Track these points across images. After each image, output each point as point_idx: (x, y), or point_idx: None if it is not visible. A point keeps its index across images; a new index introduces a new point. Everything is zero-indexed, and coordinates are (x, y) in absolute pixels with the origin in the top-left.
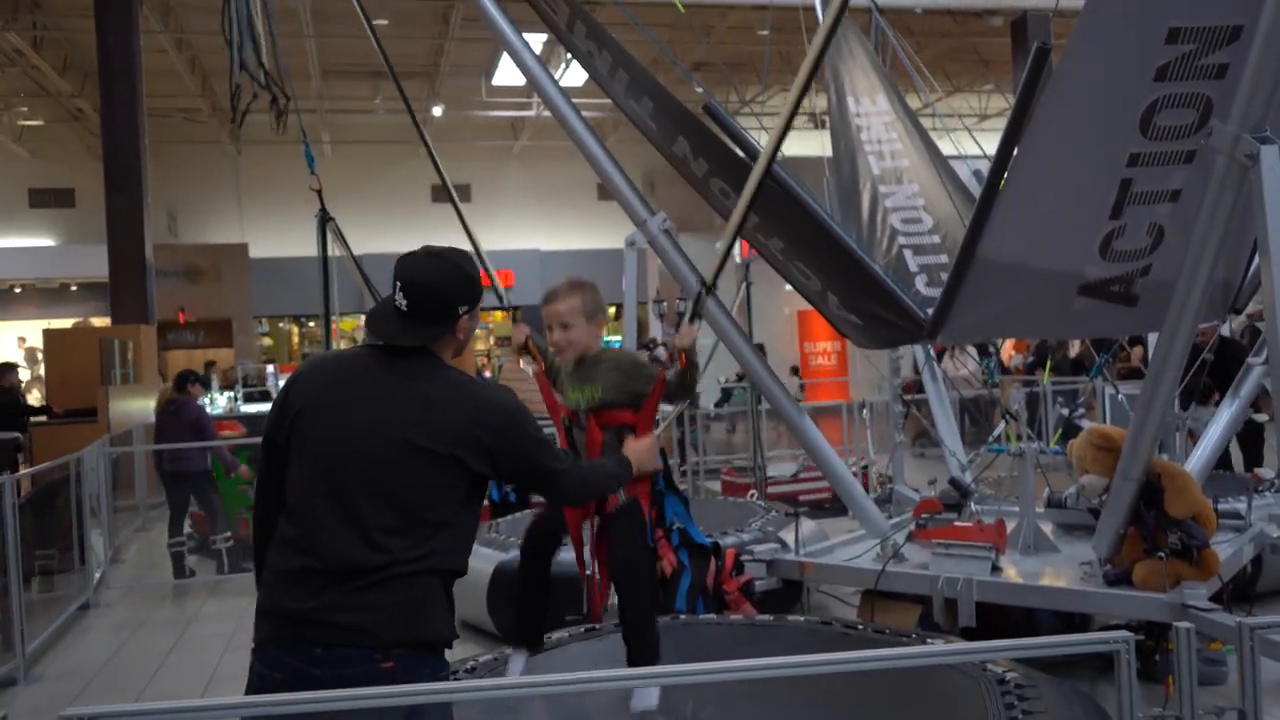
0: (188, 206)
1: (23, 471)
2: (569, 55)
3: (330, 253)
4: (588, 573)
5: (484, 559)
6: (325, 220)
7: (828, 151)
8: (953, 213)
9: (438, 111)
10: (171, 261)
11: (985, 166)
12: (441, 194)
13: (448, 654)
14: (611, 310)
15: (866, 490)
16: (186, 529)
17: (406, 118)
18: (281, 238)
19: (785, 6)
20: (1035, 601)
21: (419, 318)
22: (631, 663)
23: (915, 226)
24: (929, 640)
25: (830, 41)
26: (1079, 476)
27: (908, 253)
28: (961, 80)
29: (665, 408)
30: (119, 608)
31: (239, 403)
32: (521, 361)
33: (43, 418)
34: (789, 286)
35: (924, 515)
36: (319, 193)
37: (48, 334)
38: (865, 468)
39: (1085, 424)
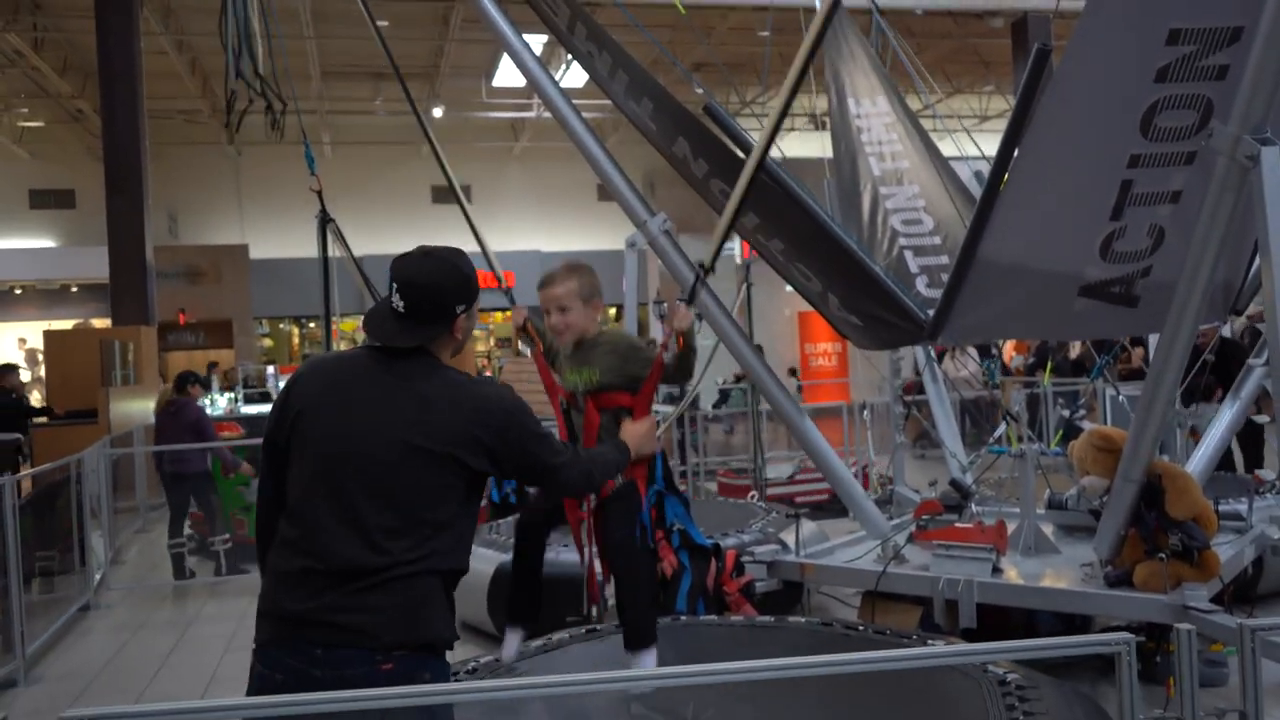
0: (188, 208)
1: (23, 472)
2: (569, 56)
3: (330, 254)
4: (585, 560)
5: (484, 560)
6: (325, 221)
7: (828, 153)
8: (953, 214)
9: (438, 113)
10: (172, 263)
11: (986, 168)
12: (442, 195)
13: (449, 656)
14: (612, 311)
15: (866, 491)
16: (187, 530)
17: (407, 119)
18: (282, 239)
19: (785, 7)
20: (1036, 603)
21: (416, 318)
22: (628, 645)
23: (916, 228)
24: (930, 642)
25: (820, 43)
26: (1080, 478)
27: (908, 254)
28: (962, 81)
29: (666, 409)
30: (119, 609)
31: (239, 404)
32: (520, 343)
33: (43, 419)
34: (790, 288)
35: (925, 516)
36: (319, 194)
37: (48, 335)
38: (865, 469)
39: (1086, 425)
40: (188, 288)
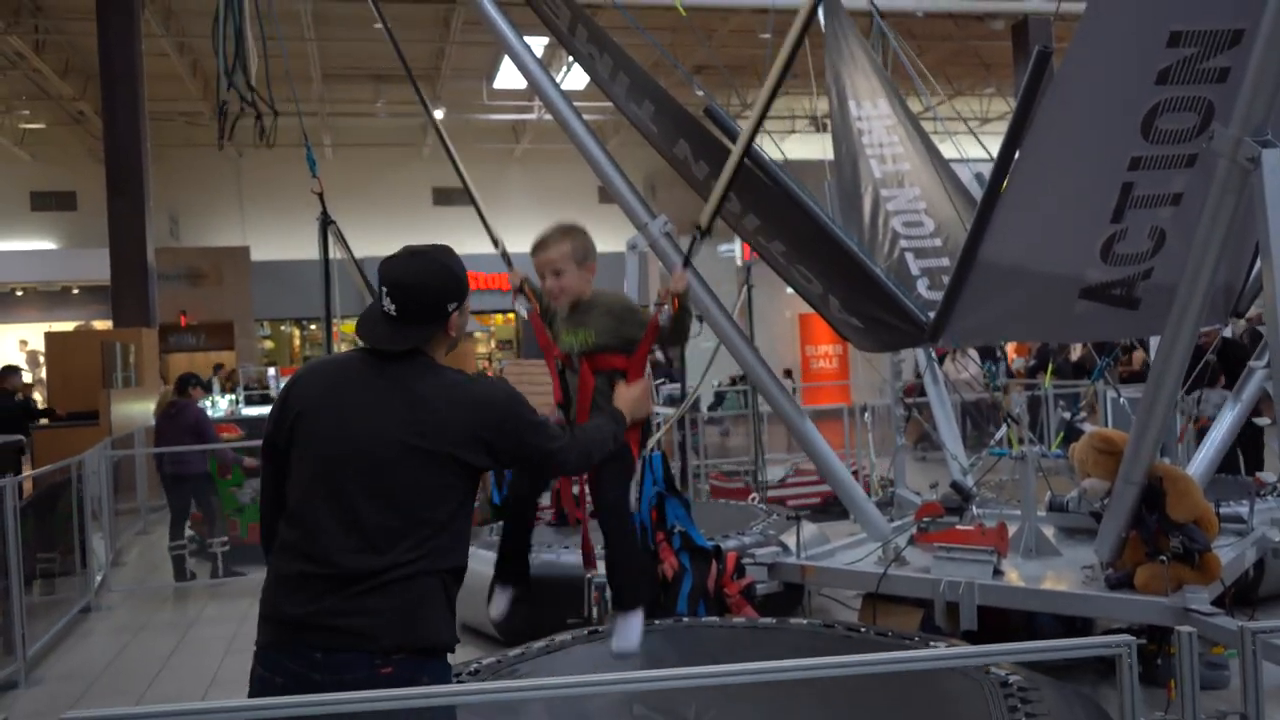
0: (189, 209)
1: (24, 474)
2: (570, 58)
3: (331, 255)
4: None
5: (484, 561)
6: (326, 223)
7: (829, 155)
8: (954, 216)
9: (439, 115)
10: (173, 264)
11: (986, 170)
12: (443, 197)
13: (450, 658)
14: None
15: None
16: (188, 532)
17: (407, 121)
18: (283, 241)
19: (786, 9)
20: (1037, 605)
21: (408, 320)
22: (618, 604)
23: (917, 230)
24: (932, 644)
25: (802, 40)
26: (1080, 480)
27: (909, 256)
28: (963, 83)
29: (666, 410)
30: (120, 610)
31: (240, 405)
32: (517, 303)
33: (44, 420)
34: (790, 290)
35: (925, 519)
36: (320, 196)
37: (49, 337)
38: (854, 472)
39: (1087, 427)
40: (189, 289)
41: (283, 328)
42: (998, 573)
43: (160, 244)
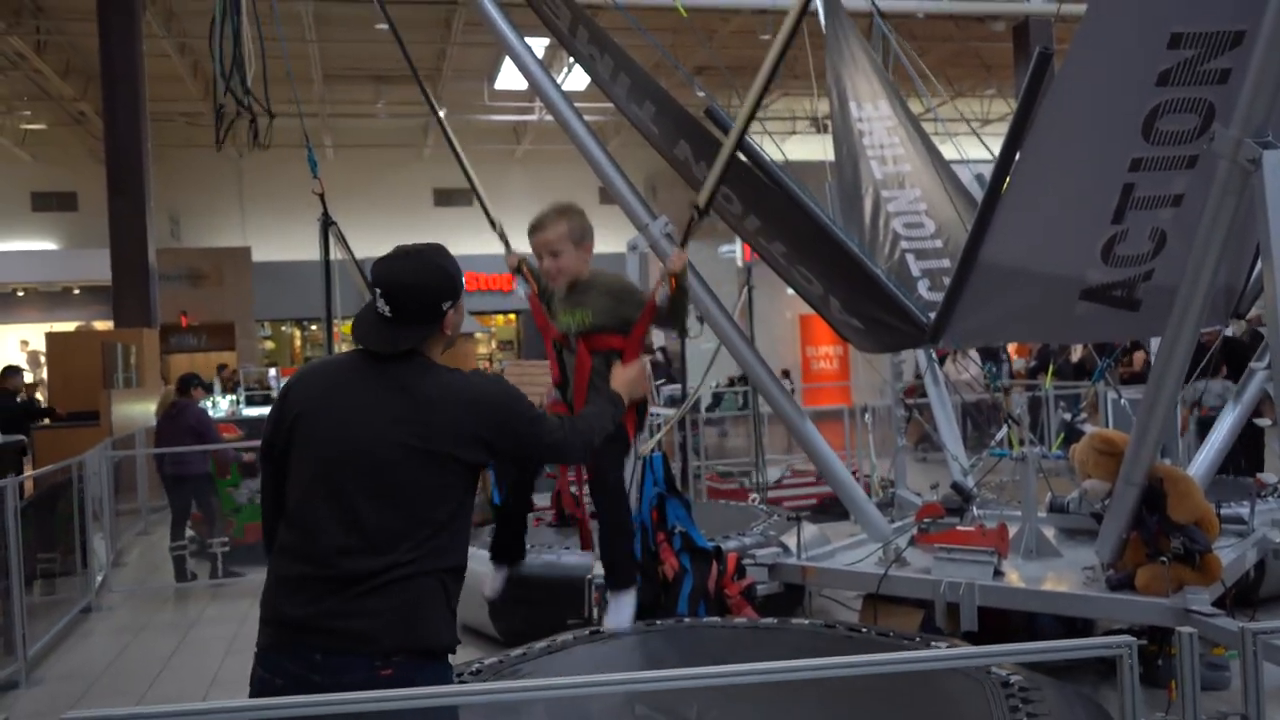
0: (190, 210)
1: (25, 474)
2: (571, 59)
3: (332, 256)
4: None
5: (483, 562)
6: (327, 224)
7: (830, 156)
8: (955, 217)
9: (440, 114)
10: (174, 265)
11: (987, 171)
12: (444, 197)
13: (451, 660)
14: None
15: None
16: (188, 533)
17: (408, 121)
18: (284, 241)
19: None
20: (1037, 606)
21: (404, 321)
22: (610, 583)
23: (917, 231)
24: (933, 644)
25: (793, 38)
26: (1081, 481)
27: (910, 257)
28: (964, 85)
29: (667, 411)
30: (121, 611)
31: (241, 406)
32: (515, 283)
33: (45, 421)
34: (791, 291)
35: (926, 520)
36: (321, 196)
37: (50, 337)
38: (854, 473)
39: (1087, 428)
40: (190, 290)
41: (284, 328)
42: (998, 574)
43: (161, 244)
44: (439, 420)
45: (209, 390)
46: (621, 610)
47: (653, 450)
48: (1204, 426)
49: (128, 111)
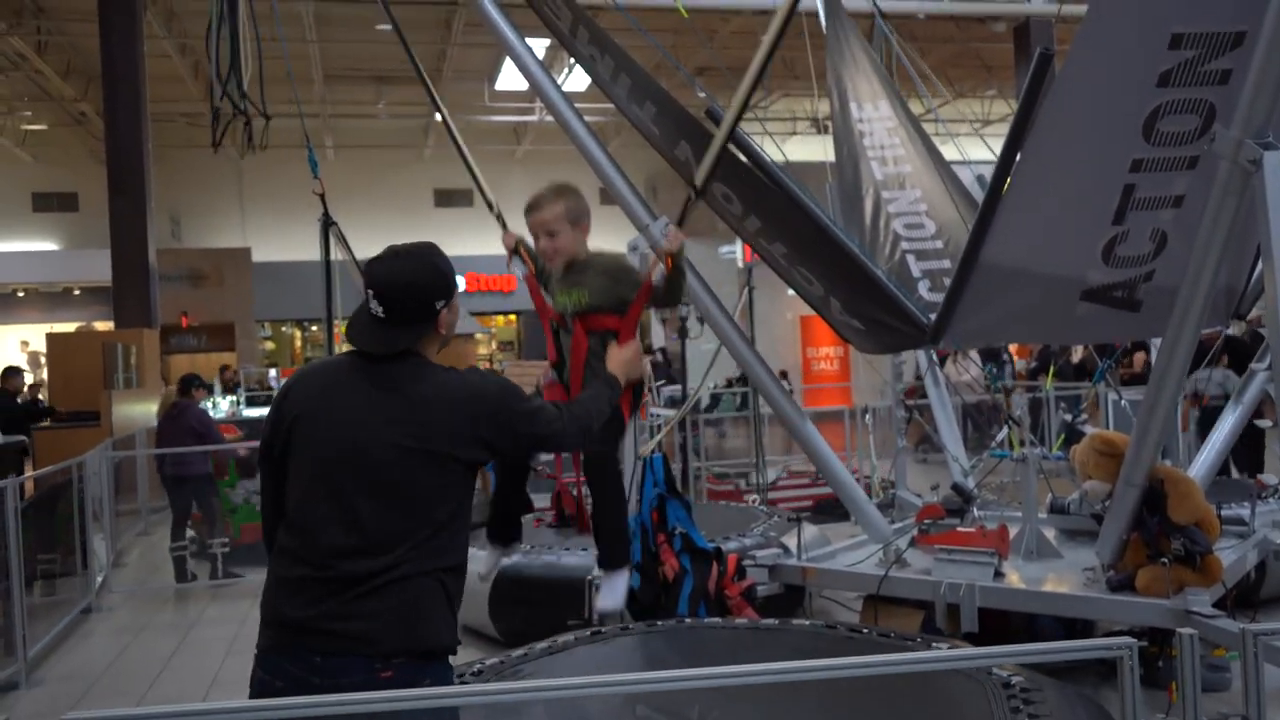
0: (191, 210)
1: (25, 475)
2: (571, 60)
3: (333, 257)
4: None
5: (483, 563)
6: (328, 224)
7: (831, 157)
8: (955, 218)
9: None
10: (174, 265)
11: (988, 172)
12: (444, 198)
13: (451, 660)
14: None
15: None
16: (189, 533)
17: (409, 122)
18: (284, 242)
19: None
20: (1038, 607)
21: (397, 322)
22: (604, 562)
23: (918, 232)
24: (934, 645)
25: (782, 36)
26: (1082, 482)
27: (910, 258)
28: (964, 85)
29: (667, 412)
30: (121, 611)
31: (241, 406)
32: (513, 264)
33: (45, 421)
34: (791, 291)
35: (926, 521)
36: (322, 197)
37: (51, 338)
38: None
39: (1088, 429)
40: (190, 290)
41: (284, 329)
42: (999, 575)
43: (161, 245)
44: (436, 420)
45: (210, 391)
46: (615, 590)
47: (653, 451)
48: (1205, 421)
49: (128, 112)
